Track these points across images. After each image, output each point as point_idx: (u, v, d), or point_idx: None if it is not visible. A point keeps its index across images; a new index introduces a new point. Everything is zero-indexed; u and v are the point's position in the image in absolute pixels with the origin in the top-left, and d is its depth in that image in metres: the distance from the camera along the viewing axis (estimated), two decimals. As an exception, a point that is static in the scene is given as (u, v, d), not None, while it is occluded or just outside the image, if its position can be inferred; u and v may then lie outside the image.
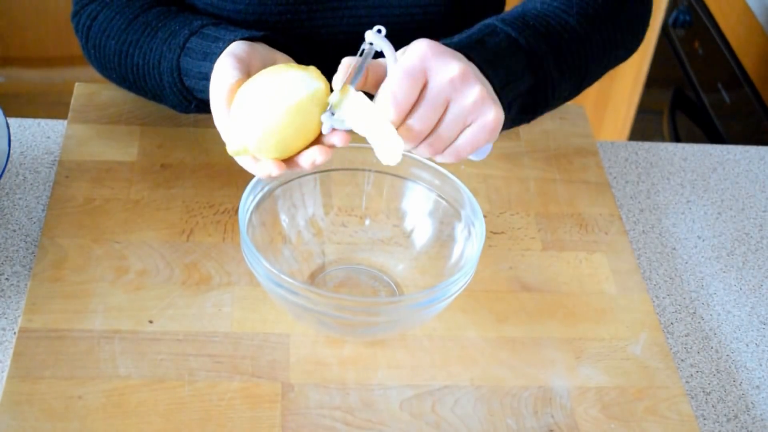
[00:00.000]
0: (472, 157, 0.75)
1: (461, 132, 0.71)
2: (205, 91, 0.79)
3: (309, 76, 0.70)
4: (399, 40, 1.02)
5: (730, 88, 1.58)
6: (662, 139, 1.79)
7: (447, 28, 1.02)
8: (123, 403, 0.73)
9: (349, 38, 0.99)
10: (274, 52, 0.79)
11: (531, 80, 0.78)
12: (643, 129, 1.96)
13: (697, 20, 1.71)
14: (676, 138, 1.72)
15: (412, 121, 0.69)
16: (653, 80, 1.93)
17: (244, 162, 0.72)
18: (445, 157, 0.72)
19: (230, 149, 0.71)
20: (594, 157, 1.00)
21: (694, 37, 1.72)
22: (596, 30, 0.85)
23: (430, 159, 0.73)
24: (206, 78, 0.79)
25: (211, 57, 0.78)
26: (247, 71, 0.73)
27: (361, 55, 0.70)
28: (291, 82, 0.69)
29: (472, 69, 0.71)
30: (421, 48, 0.70)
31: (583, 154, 1.00)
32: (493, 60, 0.75)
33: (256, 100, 0.69)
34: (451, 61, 0.70)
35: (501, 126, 0.71)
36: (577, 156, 1.00)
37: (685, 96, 1.74)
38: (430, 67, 0.69)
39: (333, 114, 0.69)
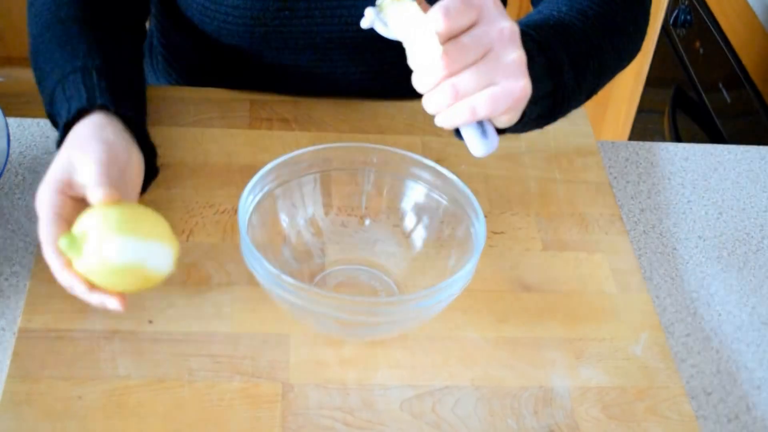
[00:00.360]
0: (475, 152, 0.73)
1: (486, 87, 0.69)
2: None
3: (168, 253, 0.70)
4: (395, 45, 1.01)
5: (731, 88, 1.58)
6: (663, 139, 1.78)
7: None
8: (123, 404, 0.72)
9: (346, 35, 0.99)
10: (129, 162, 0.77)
11: (550, 86, 0.78)
12: (644, 129, 1.96)
13: (698, 20, 1.71)
14: (677, 138, 1.72)
15: (450, 47, 0.67)
16: (654, 80, 1.93)
17: (58, 264, 0.70)
18: (458, 109, 0.69)
19: (60, 244, 0.69)
20: (594, 156, 1.00)
21: (695, 37, 1.72)
22: (608, 40, 0.85)
23: (437, 119, 0.70)
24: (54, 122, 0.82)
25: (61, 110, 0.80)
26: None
27: None
28: (148, 250, 0.69)
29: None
30: None
31: (584, 153, 1.00)
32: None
33: (107, 238, 0.68)
34: (506, 18, 0.69)
35: (526, 100, 0.70)
36: (577, 156, 1.00)
37: (685, 95, 1.74)
38: (486, 10, 0.69)
39: (379, 13, 0.69)
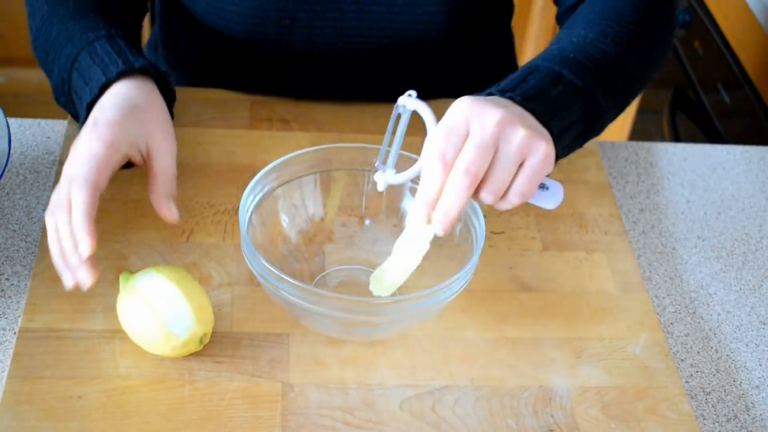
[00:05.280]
0: (544, 206, 0.75)
1: (517, 173, 0.71)
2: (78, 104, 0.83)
3: (191, 318, 0.73)
4: (398, 56, 1.02)
5: (730, 88, 1.58)
6: (662, 139, 1.79)
7: (447, 46, 1.02)
8: (123, 403, 0.73)
9: (346, 47, 0.99)
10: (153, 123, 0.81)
11: (581, 108, 0.78)
12: (643, 129, 1.96)
13: (697, 20, 1.71)
14: (676, 138, 1.72)
15: (461, 166, 0.69)
16: (653, 80, 1.93)
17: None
18: (510, 200, 0.72)
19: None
20: (594, 157, 1.00)
21: (694, 37, 1.72)
22: (633, 53, 0.85)
23: (497, 208, 0.74)
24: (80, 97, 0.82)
25: (92, 83, 0.81)
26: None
27: (396, 121, 0.74)
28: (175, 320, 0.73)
29: (513, 112, 0.71)
30: (459, 105, 0.71)
31: (583, 154, 1.01)
32: (536, 95, 0.75)
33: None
34: (490, 109, 0.70)
35: (553, 157, 0.72)
36: (577, 156, 1.00)
37: (684, 96, 1.74)
38: (471, 119, 0.70)
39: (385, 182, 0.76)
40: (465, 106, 0.71)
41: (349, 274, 0.85)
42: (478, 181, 0.70)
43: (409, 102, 0.73)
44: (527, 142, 0.70)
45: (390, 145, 0.75)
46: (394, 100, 0.77)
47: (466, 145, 0.69)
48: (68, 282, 0.72)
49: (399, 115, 0.74)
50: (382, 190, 0.76)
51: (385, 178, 0.75)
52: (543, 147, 0.71)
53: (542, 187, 0.75)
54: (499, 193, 0.71)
